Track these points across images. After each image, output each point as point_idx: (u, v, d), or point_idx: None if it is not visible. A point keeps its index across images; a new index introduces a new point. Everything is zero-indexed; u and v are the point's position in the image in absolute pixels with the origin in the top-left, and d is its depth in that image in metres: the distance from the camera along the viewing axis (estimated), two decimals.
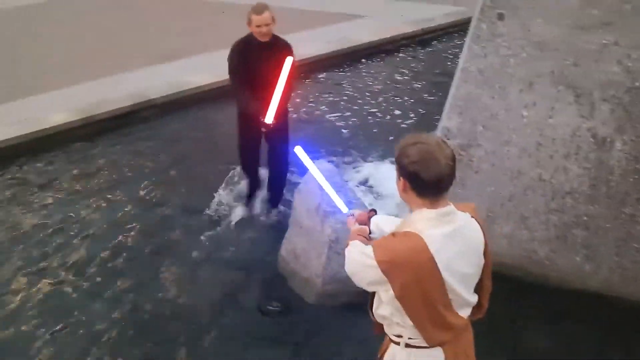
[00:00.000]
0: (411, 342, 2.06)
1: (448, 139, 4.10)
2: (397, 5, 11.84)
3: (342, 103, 7.48)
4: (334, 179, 3.88)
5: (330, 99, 7.58)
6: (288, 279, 4.20)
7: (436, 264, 1.88)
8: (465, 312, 2.08)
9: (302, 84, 6.17)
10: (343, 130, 6.70)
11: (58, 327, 3.79)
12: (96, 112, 6.75)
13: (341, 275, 3.91)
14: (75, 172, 5.79)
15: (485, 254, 2.06)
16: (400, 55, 9.56)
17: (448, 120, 4.09)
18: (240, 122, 4.67)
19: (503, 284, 4.02)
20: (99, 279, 4.26)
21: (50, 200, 5.32)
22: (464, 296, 2.01)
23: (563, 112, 3.71)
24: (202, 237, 4.70)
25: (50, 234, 4.79)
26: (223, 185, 5.27)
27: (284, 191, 5.04)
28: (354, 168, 5.77)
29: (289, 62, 4.21)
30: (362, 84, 8.20)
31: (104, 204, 5.23)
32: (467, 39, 3.92)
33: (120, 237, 4.71)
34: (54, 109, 6.75)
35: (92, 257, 4.48)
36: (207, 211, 5.03)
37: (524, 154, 3.90)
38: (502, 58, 3.80)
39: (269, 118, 4.21)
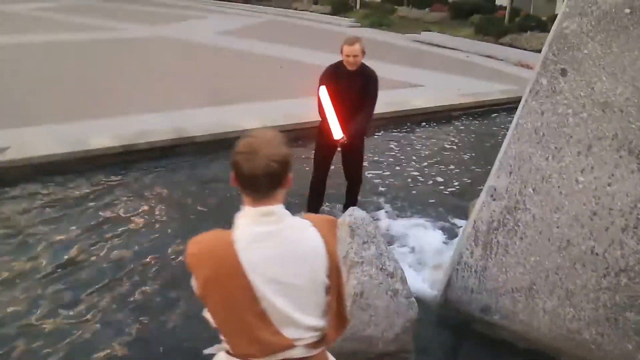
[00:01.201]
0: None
1: (494, 200, 3.82)
2: (456, 79, 11.97)
3: (385, 163, 7.32)
4: (367, 228, 3.63)
5: (376, 158, 7.42)
6: None
7: (240, 262, 1.74)
8: (294, 333, 1.83)
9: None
10: (381, 188, 6.50)
11: None
12: (137, 141, 6.86)
13: (363, 333, 3.60)
14: (103, 194, 5.73)
15: (331, 273, 1.86)
16: (455, 124, 9.50)
17: (496, 179, 3.80)
18: (318, 138, 5.21)
19: None
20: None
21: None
22: (287, 312, 1.79)
23: (624, 180, 3.37)
24: None
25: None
26: None
27: None
28: (384, 226, 5.50)
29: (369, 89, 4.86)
30: (411, 147, 8.05)
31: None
32: (524, 95, 3.68)
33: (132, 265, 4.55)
34: (100, 134, 6.86)
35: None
36: None
37: (576, 223, 3.55)
38: (561, 116, 3.52)
39: (339, 134, 4.77)
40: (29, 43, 12.74)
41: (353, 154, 5.26)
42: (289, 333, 1.83)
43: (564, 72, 3.47)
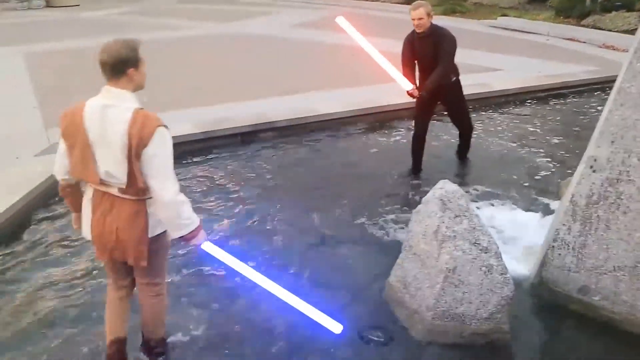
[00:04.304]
0: None
1: (594, 171, 3.59)
2: (536, 63, 11.58)
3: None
4: (459, 202, 3.50)
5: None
6: (395, 309, 3.80)
7: (83, 120, 2.66)
8: (104, 175, 2.70)
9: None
10: (465, 169, 6.40)
11: None
12: (217, 128, 6.98)
13: (456, 311, 3.48)
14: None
15: (129, 145, 2.59)
16: (537, 106, 9.18)
17: (596, 149, 3.57)
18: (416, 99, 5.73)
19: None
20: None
21: None
22: (101, 158, 2.68)
23: None
24: (309, 255, 4.48)
25: None
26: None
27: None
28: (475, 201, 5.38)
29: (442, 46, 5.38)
30: (494, 129, 7.81)
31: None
32: (628, 56, 3.42)
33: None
34: (183, 123, 6.98)
35: None
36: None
37: None
38: None
39: (410, 87, 5.48)
40: None
41: (449, 107, 6.02)
42: (101, 173, 2.71)
43: None
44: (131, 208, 2.74)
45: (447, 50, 5.40)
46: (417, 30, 5.37)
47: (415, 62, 5.66)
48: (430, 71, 5.45)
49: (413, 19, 5.32)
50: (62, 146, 2.81)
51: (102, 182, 2.73)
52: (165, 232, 2.90)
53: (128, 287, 3.17)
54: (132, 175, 2.64)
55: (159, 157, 2.64)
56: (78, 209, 2.99)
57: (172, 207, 2.69)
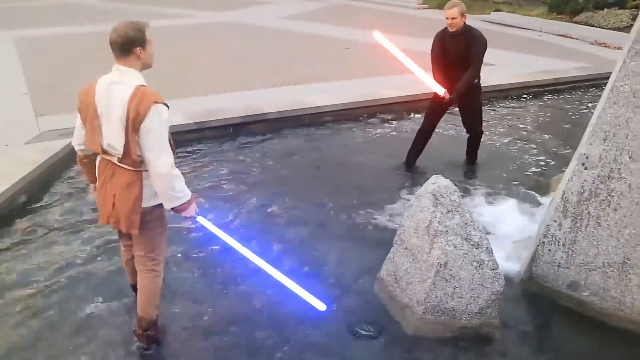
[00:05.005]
0: None
1: (586, 169, 3.61)
2: (528, 59, 11.62)
3: (461, 139, 7.07)
4: (451, 197, 3.50)
5: (451, 133, 7.24)
6: (385, 303, 3.81)
7: (94, 96, 2.89)
8: (107, 146, 2.94)
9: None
10: (457, 165, 6.37)
11: None
12: (209, 119, 6.94)
13: (446, 305, 3.50)
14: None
15: (127, 117, 2.80)
16: (529, 101, 9.22)
17: (588, 146, 3.59)
18: (434, 94, 5.69)
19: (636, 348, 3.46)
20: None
21: None
22: (104, 131, 2.91)
23: None
24: (300, 247, 4.48)
25: None
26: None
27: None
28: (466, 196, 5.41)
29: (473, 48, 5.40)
30: (486, 124, 7.74)
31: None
32: (622, 55, 3.44)
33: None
34: (174, 114, 6.84)
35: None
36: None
37: None
38: None
39: (442, 91, 5.43)
40: (102, 32, 13.09)
41: (465, 108, 5.94)
42: (104, 144, 2.94)
43: None
44: (128, 177, 2.94)
45: (479, 51, 5.44)
46: (451, 30, 5.37)
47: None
48: (459, 71, 5.45)
49: (447, 18, 5.32)
50: (78, 120, 3.05)
51: (104, 152, 2.97)
52: (161, 205, 3.08)
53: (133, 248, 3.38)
54: (127, 146, 2.85)
55: (154, 131, 2.82)
56: (94, 179, 3.21)
57: (166, 179, 2.88)
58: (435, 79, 5.51)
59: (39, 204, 5.06)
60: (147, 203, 3.02)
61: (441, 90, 5.46)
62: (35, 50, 10.98)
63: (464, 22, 5.37)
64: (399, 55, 5.22)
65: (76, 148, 3.18)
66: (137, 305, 3.35)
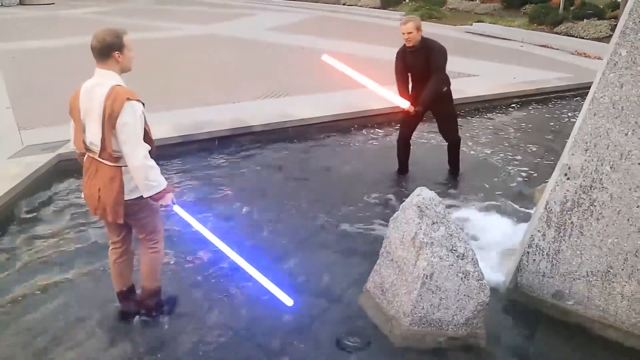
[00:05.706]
0: None
1: (568, 179, 3.66)
2: (511, 69, 11.76)
3: (444, 150, 7.12)
4: (436, 209, 3.53)
5: (435, 144, 7.28)
6: (372, 315, 3.81)
7: (79, 98, 3.19)
8: (88, 144, 3.22)
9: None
10: (441, 175, 6.39)
11: None
12: (195, 132, 6.94)
13: (433, 317, 3.51)
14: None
15: (102, 114, 3.07)
16: (512, 112, 9.30)
17: (570, 157, 3.63)
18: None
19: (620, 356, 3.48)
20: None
21: None
22: (87, 130, 3.20)
23: None
24: (286, 259, 4.47)
25: None
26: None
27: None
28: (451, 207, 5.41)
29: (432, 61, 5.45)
30: (469, 134, 7.86)
31: None
32: (601, 67, 3.49)
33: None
34: (160, 126, 6.90)
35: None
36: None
37: None
38: None
39: (407, 105, 5.50)
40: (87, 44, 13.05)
41: (438, 117, 6.03)
42: (87, 142, 3.21)
43: None
44: (110, 173, 3.20)
45: (438, 62, 5.50)
46: (407, 45, 5.47)
47: (409, 75, 5.76)
48: (423, 83, 5.55)
49: (403, 34, 5.40)
50: (72, 123, 3.33)
51: (87, 149, 3.25)
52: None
53: (121, 246, 3.65)
54: (104, 141, 3.12)
55: (128, 125, 3.07)
56: None
57: (141, 170, 3.11)
58: (400, 94, 5.64)
59: (22, 218, 5.00)
60: (129, 195, 3.26)
61: (405, 104, 5.53)
62: (19, 63, 10.92)
63: (421, 36, 5.45)
64: (355, 75, 5.26)
65: (74, 148, 3.43)
66: (141, 276, 3.69)
